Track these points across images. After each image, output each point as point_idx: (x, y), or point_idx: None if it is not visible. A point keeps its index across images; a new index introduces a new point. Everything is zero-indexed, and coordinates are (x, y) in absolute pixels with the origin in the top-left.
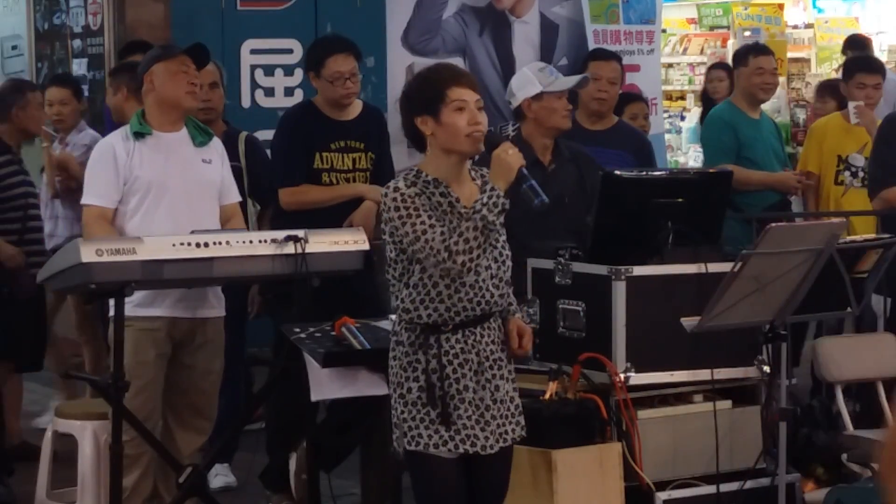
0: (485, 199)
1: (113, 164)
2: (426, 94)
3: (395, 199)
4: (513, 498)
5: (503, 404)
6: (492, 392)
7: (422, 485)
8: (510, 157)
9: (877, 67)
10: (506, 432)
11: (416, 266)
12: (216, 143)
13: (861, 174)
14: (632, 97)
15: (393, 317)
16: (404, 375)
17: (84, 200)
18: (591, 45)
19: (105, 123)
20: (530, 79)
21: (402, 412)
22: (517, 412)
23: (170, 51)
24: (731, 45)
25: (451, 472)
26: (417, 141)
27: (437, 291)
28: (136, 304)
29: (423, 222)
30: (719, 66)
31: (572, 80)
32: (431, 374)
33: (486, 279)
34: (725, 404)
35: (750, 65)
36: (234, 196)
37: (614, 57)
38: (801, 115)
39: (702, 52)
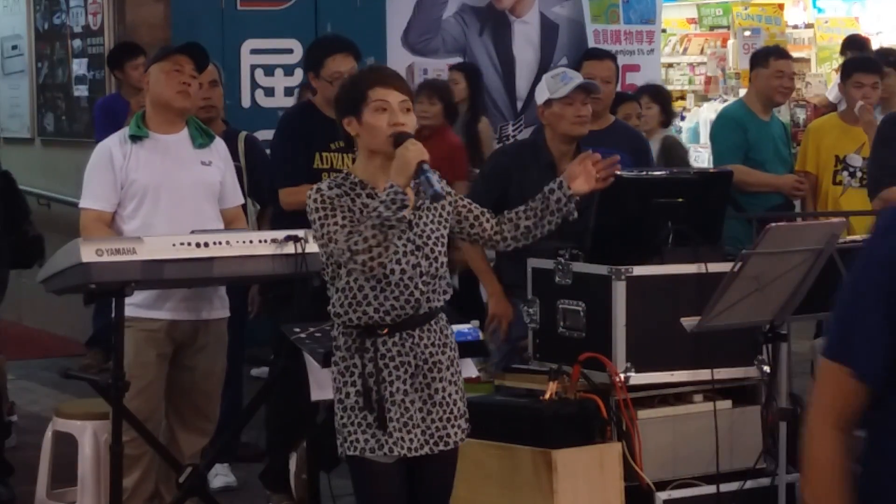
0: (383, 197)
1: (110, 167)
2: (350, 95)
3: (315, 201)
4: (513, 498)
5: (442, 407)
6: (430, 395)
7: (362, 490)
8: (409, 152)
9: (874, 67)
10: (447, 435)
11: (342, 269)
12: (218, 146)
13: (859, 174)
14: (624, 97)
15: None
16: (342, 380)
17: (82, 204)
18: (591, 45)
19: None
20: (542, 86)
21: (342, 417)
22: (460, 415)
23: (165, 51)
24: (731, 45)
25: (388, 475)
26: (350, 143)
27: (364, 294)
28: (138, 306)
29: (335, 223)
30: (457, 67)
31: (571, 86)
32: (368, 378)
33: (413, 277)
34: (725, 404)
35: (770, 67)
36: (237, 199)
37: (608, 56)
38: (801, 115)
39: (702, 52)
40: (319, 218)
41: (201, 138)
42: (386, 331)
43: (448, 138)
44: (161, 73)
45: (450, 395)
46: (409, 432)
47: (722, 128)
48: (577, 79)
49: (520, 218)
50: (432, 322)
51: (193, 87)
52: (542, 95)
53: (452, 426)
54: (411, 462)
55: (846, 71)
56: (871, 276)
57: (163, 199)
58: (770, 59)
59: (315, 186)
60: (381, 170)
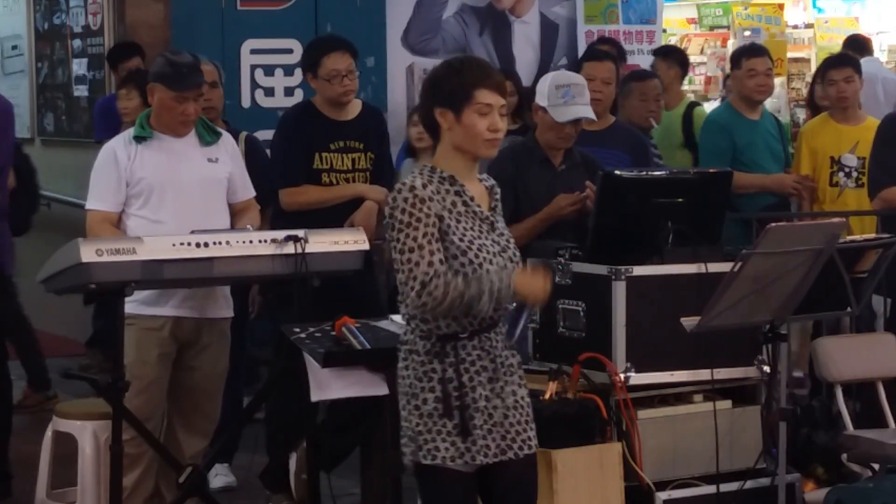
0: (499, 285)
1: (115, 167)
2: (452, 87)
3: (406, 200)
4: None
5: (518, 410)
6: (504, 399)
7: (436, 500)
8: (543, 289)
9: (844, 61)
10: (528, 438)
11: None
12: (226, 142)
13: (855, 174)
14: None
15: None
16: (419, 386)
17: (88, 205)
18: (582, 47)
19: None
20: (543, 89)
21: (418, 424)
22: (532, 419)
23: (177, 83)
24: (731, 45)
25: (468, 486)
26: (432, 129)
27: None
28: (141, 303)
29: (414, 239)
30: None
31: (566, 117)
32: (448, 384)
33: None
34: (725, 404)
35: (742, 67)
36: (248, 192)
37: (608, 57)
38: (801, 114)
39: (702, 52)
40: (403, 222)
41: (209, 136)
42: (467, 334)
43: None
44: (167, 98)
45: (522, 397)
46: (493, 439)
47: (707, 133)
48: (575, 108)
49: None
50: (500, 324)
51: (193, 108)
52: (541, 98)
53: (528, 429)
54: (488, 471)
55: (819, 71)
56: None
57: (168, 196)
58: (742, 59)
59: (406, 182)
60: (468, 166)
